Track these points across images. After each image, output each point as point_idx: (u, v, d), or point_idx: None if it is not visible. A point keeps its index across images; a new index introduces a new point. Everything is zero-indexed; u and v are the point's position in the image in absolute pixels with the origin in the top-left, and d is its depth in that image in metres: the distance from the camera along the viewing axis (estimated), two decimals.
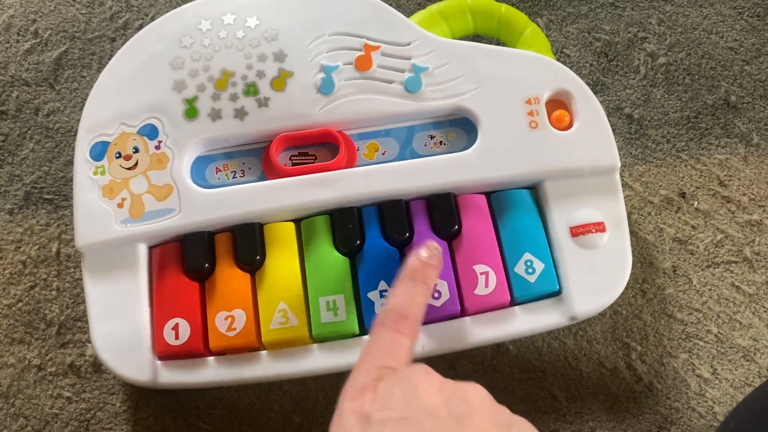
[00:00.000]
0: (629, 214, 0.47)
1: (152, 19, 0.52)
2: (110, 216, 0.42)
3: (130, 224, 0.41)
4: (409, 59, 0.44)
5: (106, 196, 0.42)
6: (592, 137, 0.44)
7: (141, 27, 0.50)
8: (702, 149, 0.49)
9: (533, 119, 0.44)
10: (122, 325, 0.41)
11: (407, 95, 0.44)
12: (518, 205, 0.43)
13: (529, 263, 0.42)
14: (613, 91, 0.51)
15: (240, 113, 0.43)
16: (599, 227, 0.42)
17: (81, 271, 0.43)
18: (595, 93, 0.50)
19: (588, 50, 0.52)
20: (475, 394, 0.30)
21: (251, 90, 0.43)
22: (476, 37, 0.52)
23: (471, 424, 0.28)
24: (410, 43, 0.45)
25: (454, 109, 0.44)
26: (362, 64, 0.44)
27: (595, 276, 0.42)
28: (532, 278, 0.42)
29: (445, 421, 0.28)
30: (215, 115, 0.43)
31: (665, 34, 0.52)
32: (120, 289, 0.41)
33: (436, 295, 0.41)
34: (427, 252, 0.37)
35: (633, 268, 0.43)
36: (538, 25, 0.52)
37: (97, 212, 0.42)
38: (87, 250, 0.41)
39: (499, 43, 0.52)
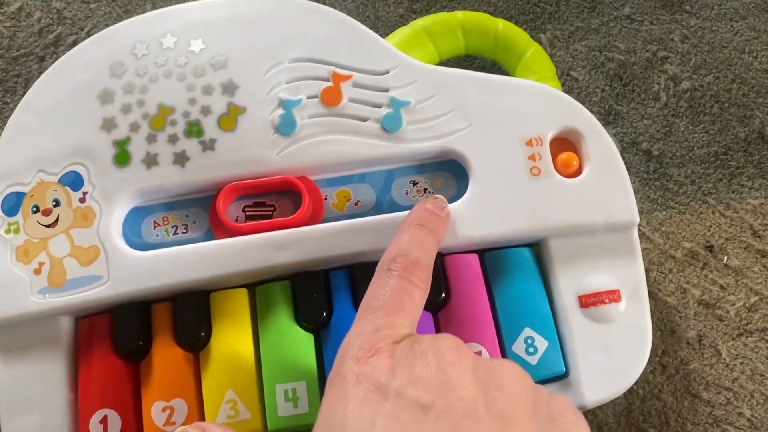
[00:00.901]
0: (647, 271, 0.40)
1: (88, 34, 0.44)
2: (25, 284, 0.34)
3: (49, 295, 0.34)
4: (387, 91, 0.37)
5: (20, 259, 0.35)
6: (606, 186, 0.36)
7: (75, 43, 0.42)
8: (733, 192, 0.42)
9: (535, 164, 0.36)
10: (39, 419, 0.34)
11: (385, 135, 0.36)
12: (517, 267, 0.36)
13: (529, 341, 0.35)
14: (628, 122, 0.43)
15: (180, 158, 0.35)
16: (614, 296, 0.35)
17: None
18: (608, 124, 0.43)
19: (599, 72, 0.44)
20: (512, 378, 0.26)
21: (194, 130, 0.36)
22: (468, 58, 0.45)
23: (515, 428, 0.24)
24: (388, 72, 0.37)
25: (442, 152, 0.37)
26: (330, 97, 0.36)
27: (609, 356, 0.35)
28: (533, 359, 0.35)
29: (485, 424, 0.24)
30: (150, 160, 0.35)
31: (690, 54, 0.44)
32: (37, 373, 0.34)
33: None
34: (434, 203, 0.32)
35: (651, 338, 0.36)
36: (541, 43, 0.45)
37: (9, 280, 0.34)
38: None
39: (493, 66, 0.44)
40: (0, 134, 0.37)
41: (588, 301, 0.35)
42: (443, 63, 0.42)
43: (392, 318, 0.27)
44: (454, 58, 0.43)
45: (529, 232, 0.36)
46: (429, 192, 0.37)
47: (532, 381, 0.26)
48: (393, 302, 0.28)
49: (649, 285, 0.39)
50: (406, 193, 0.37)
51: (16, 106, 0.43)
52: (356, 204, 0.37)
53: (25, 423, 0.34)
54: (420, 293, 0.29)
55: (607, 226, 0.36)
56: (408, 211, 0.35)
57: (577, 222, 0.36)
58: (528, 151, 0.36)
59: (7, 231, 0.35)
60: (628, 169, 0.37)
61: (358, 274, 0.35)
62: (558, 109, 0.37)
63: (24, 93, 0.44)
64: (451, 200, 0.37)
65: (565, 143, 0.38)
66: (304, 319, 0.35)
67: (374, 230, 0.35)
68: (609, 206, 0.36)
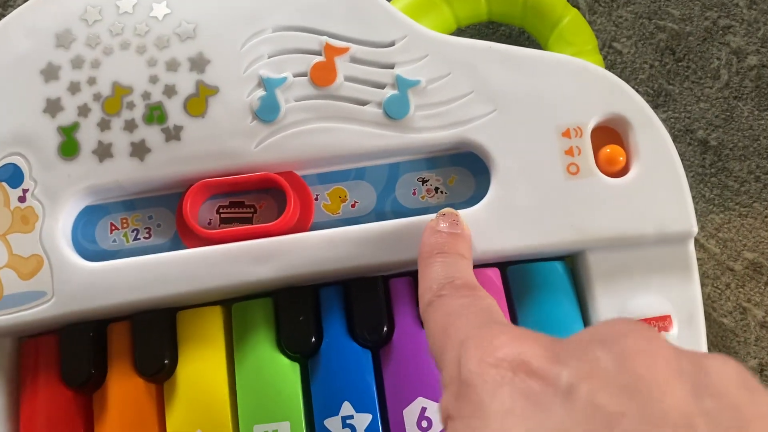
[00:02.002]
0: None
1: None
2: None
3: None
4: (392, 68, 0.30)
5: None
6: (658, 188, 0.30)
7: (15, 6, 0.36)
8: None
9: (573, 161, 0.30)
10: None
11: (388, 122, 0.30)
12: (547, 285, 0.30)
13: None
14: (681, 105, 0.36)
15: (139, 150, 0.29)
16: (664, 323, 0.29)
17: None
18: (656, 107, 0.36)
19: (647, 44, 0.37)
20: (732, 378, 0.17)
21: (156, 115, 0.29)
22: (491, 26, 0.37)
23: None
24: (394, 43, 0.30)
25: (457, 143, 0.30)
26: (322, 75, 0.30)
27: None
28: None
29: None
30: (103, 152, 0.29)
31: (758, 23, 0.37)
32: None
33: (425, 424, 0.28)
34: (446, 222, 0.26)
35: None
36: (579, 7, 0.38)
37: None
38: None
39: (521, 35, 0.37)
40: None
41: None
42: (460, 32, 0.35)
43: (489, 317, 0.21)
44: (474, 25, 0.36)
45: (563, 244, 0.29)
46: (441, 192, 0.31)
47: (757, 382, 0.18)
48: (476, 309, 0.22)
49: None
50: (414, 193, 0.31)
51: None
52: (353, 206, 0.31)
53: None
54: (492, 302, 0.23)
55: (659, 238, 0.30)
56: (416, 217, 0.29)
57: (623, 232, 0.29)
58: (564, 144, 0.30)
59: None
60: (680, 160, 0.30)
61: (353, 290, 0.29)
62: (602, 91, 0.30)
63: None
64: (468, 203, 0.31)
65: (609, 134, 0.31)
66: (288, 345, 0.29)
67: (375, 240, 0.29)
68: (661, 213, 0.30)
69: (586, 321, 0.30)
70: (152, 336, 0.29)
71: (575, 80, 0.30)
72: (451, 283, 0.23)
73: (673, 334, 0.29)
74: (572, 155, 0.30)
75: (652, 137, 0.30)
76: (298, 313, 0.29)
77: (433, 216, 0.27)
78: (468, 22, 0.35)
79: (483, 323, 0.20)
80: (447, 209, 0.27)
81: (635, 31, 0.37)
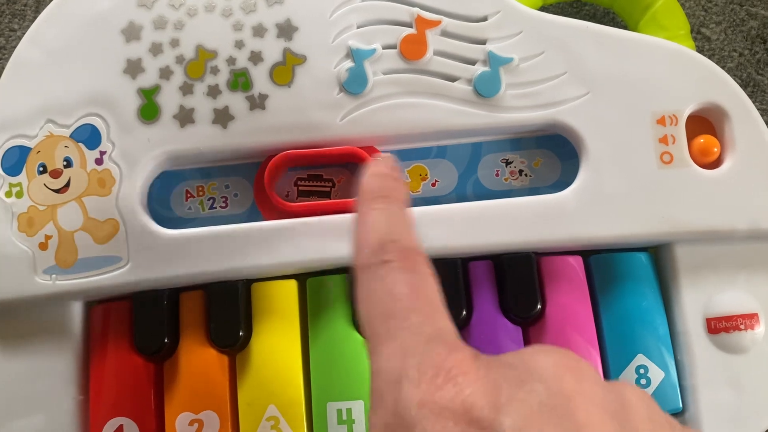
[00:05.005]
0: None
1: None
2: (28, 261, 0.28)
3: (57, 276, 0.28)
4: (484, 44, 0.29)
5: (23, 230, 0.28)
6: (753, 181, 0.29)
7: None
8: None
9: (667, 149, 0.29)
10: (41, 423, 0.28)
11: (477, 100, 0.29)
12: (631, 276, 0.29)
13: (642, 370, 0.28)
14: None
15: (222, 117, 0.28)
16: (750, 321, 0.28)
17: None
18: None
19: (737, 32, 0.35)
20: (642, 409, 0.19)
21: (240, 82, 0.28)
22: (575, 4, 0.36)
23: None
24: (487, 18, 0.29)
25: (546, 125, 0.29)
26: (412, 48, 0.29)
27: (738, 394, 0.28)
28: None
29: None
30: (185, 117, 0.28)
31: None
32: (41, 368, 0.28)
33: None
34: (384, 163, 0.24)
35: None
36: None
37: (10, 254, 0.28)
38: None
39: (605, 15, 0.36)
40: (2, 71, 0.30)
41: (718, 326, 0.28)
42: (543, 10, 0.34)
43: (436, 322, 0.19)
44: (557, 4, 0.35)
45: (652, 235, 0.28)
46: (525, 174, 0.30)
47: (660, 410, 0.20)
48: (421, 301, 0.20)
49: None
50: (497, 175, 0.30)
51: (23, 34, 0.36)
52: (433, 185, 0.30)
53: (24, 427, 0.28)
54: (435, 282, 0.21)
55: (750, 234, 0.29)
56: (500, 200, 0.28)
57: (714, 225, 0.28)
58: (659, 132, 0.29)
59: (8, 194, 0.29)
60: None
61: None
62: (699, 79, 0.29)
63: (35, 19, 0.36)
64: (553, 187, 0.30)
65: (703, 123, 0.30)
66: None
67: (455, 221, 0.28)
68: (755, 208, 0.29)
69: (669, 315, 0.29)
70: (227, 306, 0.28)
71: (672, 66, 0.29)
72: (395, 241, 0.21)
73: (760, 332, 0.28)
74: (666, 144, 0.29)
75: (749, 129, 0.29)
76: None
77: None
78: (553, 1, 0.33)
79: (429, 337, 0.19)
80: (385, 154, 0.26)
81: (725, 17, 0.36)
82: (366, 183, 0.23)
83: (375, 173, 0.23)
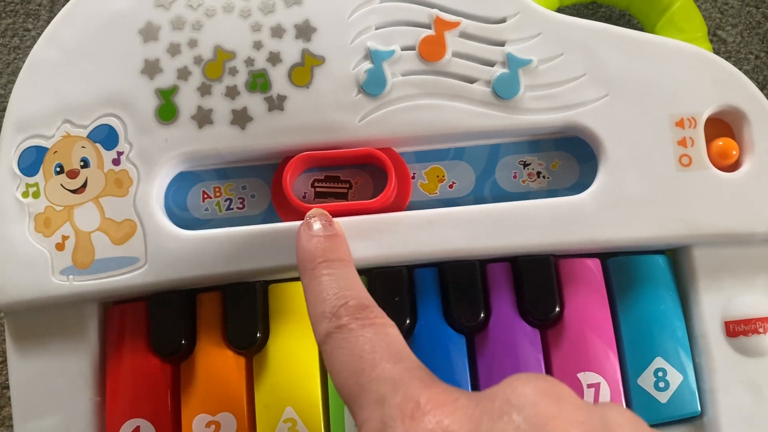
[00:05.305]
0: None
1: None
2: (45, 262, 0.28)
3: (74, 276, 0.28)
4: (503, 45, 0.29)
5: (39, 230, 0.28)
6: None
7: None
8: None
9: (685, 152, 0.29)
10: (57, 424, 0.28)
11: (496, 102, 0.29)
12: (649, 279, 0.29)
13: (660, 373, 0.28)
14: None
15: (241, 118, 0.28)
16: None
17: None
18: None
19: (754, 34, 0.35)
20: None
21: (259, 83, 0.28)
22: (591, 6, 0.36)
23: None
24: (506, 19, 0.29)
25: (565, 127, 0.29)
26: (431, 49, 0.29)
27: (757, 398, 0.28)
28: (663, 396, 0.28)
29: None
30: (203, 117, 0.28)
31: None
32: (57, 369, 0.28)
33: None
34: (319, 220, 0.25)
35: None
36: None
37: (27, 255, 0.28)
38: (10, 310, 0.28)
39: (621, 17, 0.36)
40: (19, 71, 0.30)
41: (737, 329, 0.28)
42: (560, 10, 0.34)
43: (404, 364, 0.21)
44: (573, 5, 0.35)
45: (671, 238, 0.28)
46: (543, 177, 0.30)
47: (649, 429, 0.21)
48: (385, 351, 0.21)
49: None
50: (515, 177, 0.30)
51: (39, 34, 0.36)
52: (451, 186, 0.30)
53: (41, 428, 0.28)
54: (394, 329, 0.22)
55: None
56: (518, 202, 0.28)
57: (733, 229, 0.28)
58: (678, 135, 0.29)
59: (25, 194, 0.28)
60: None
61: (449, 274, 0.29)
62: (718, 81, 0.29)
63: (49, 19, 0.36)
64: (571, 189, 0.30)
65: (721, 126, 0.30)
66: None
67: (473, 222, 0.28)
68: None
69: (687, 317, 0.29)
70: (245, 308, 0.28)
71: (691, 68, 0.29)
72: (345, 305, 0.22)
73: None
74: (685, 146, 0.29)
75: None
76: (392, 295, 0.28)
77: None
78: (572, 2, 0.33)
79: (401, 378, 0.20)
80: (315, 209, 0.27)
81: (741, 20, 0.36)
82: (304, 249, 0.25)
83: (311, 236, 0.25)
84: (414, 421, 0.18)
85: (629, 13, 0.34)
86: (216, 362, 0.28)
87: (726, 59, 0.35)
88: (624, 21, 0.36)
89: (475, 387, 0.28)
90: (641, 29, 0.34)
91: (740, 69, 0.35)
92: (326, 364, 0.22)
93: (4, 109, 0.35)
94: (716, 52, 0.35)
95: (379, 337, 0.22)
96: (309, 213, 0.26)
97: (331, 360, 0.22)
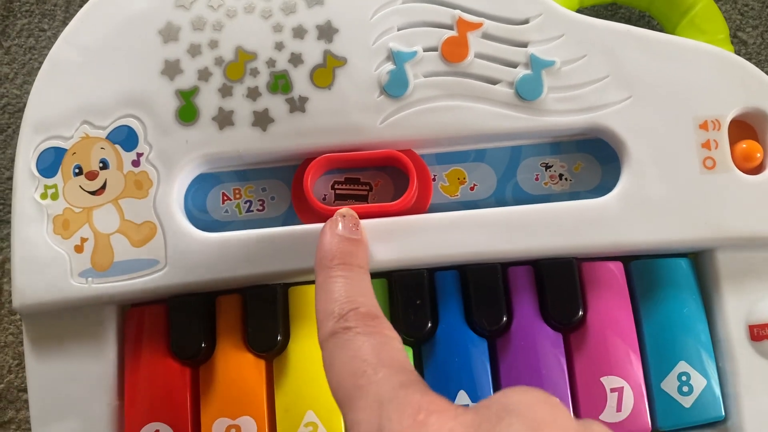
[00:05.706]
0: None
1: None
2: (64, 264, 0.28)
3: (92, 279, 0.28)
4: (526, 46, 0.29)
5: (58, 232, 0.28)
6: None
7: None
8: None
9: (709, 155, 0.28)
10: (76, 427, 0.28)
11: (519, 103, 0.28)
12: (672, 282, 0.29)
13: (684, 377, 0.28)
14: None
15: (262, 119, 0.28)
16: None
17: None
18: None
19: None
20: None
21: (280, 84, 0.28)
22: (611, 7, 0.36)
23: None
24: (529, 21, 0.29)
25: (587, 129, 0.29)
26: (453, 51, 0.28)
27: None
28: (686, 401, 0.28)
29: None
30: (224, 119, 0.28)
31: None
32: (75, 372, 0.28)
33: None
34: (345, 225, 0.25)
35: None
36: None
37: (45, 257, 0.28)
38: (29, 312, 0.28)
39: (641, 18, 0.36)
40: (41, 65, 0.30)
41: (761, 333, 0.28)
42: (579, 11, 0.34)
43: (406, 375, 0.21)
44: (593, 6, 0.34)
45: (695, 241, 0.28)
46: (565, 179, 0.30)
47: None
48: (388, 360, 0.21)
49: None
50: (536, 179, 0.30)
51: (55, 35, 0.36)
52: (472, 189, 0.30)
53: (60, 431, 0.28)
54: (400, 343, 0.22)
55: None
56: (540, 204, 0.28)
57: (757, 232, 0.28)
58: (702, 137, 0.28)
59: (43, 195, 0.28)
60: None
61: (471, 277, 0.28)
62: (742, 83, 0.29)
63: (65, 19, 0.36)
64: (594, 192, 0.30)
65: (744, 129, 0.29)
66: (403, 330, 0.28)
67: (494, 226, 0.28)
68: None
69: (711, 321, 0.29)
70: (265, 311, 0.28)
71: (715, 70, 0.29)
72: (356, 310, 0.22)
73: None
74: (709, 149, 0.28)
75: None
76: (413, 298, 0.28)
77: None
78: (591, 3, 0.33)
79: (401, 384, 0.20)
80: (346, 209, 0.27)
81: (762, 21, 0.35)
82: (326, 247, 0.25)
83: (335, 235, 0.25)
84: (414, 424, 0.19)
85: (649, 14, 0.34)
86: (236, 365, 0.28)
87: (747, 61, 0.35)
88: (644, 22, 0.36)
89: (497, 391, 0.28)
90: (661, 31, 0.33)
91: (761, 70, 0.35)
92: (324, 362, 0.22)
93: (21, 110, 0.35)
94: (737, 53, 0.35)
95: (385, 346, 0.22)
96: (340, 211, 0.26)
97: (331, 359, 0.22)
